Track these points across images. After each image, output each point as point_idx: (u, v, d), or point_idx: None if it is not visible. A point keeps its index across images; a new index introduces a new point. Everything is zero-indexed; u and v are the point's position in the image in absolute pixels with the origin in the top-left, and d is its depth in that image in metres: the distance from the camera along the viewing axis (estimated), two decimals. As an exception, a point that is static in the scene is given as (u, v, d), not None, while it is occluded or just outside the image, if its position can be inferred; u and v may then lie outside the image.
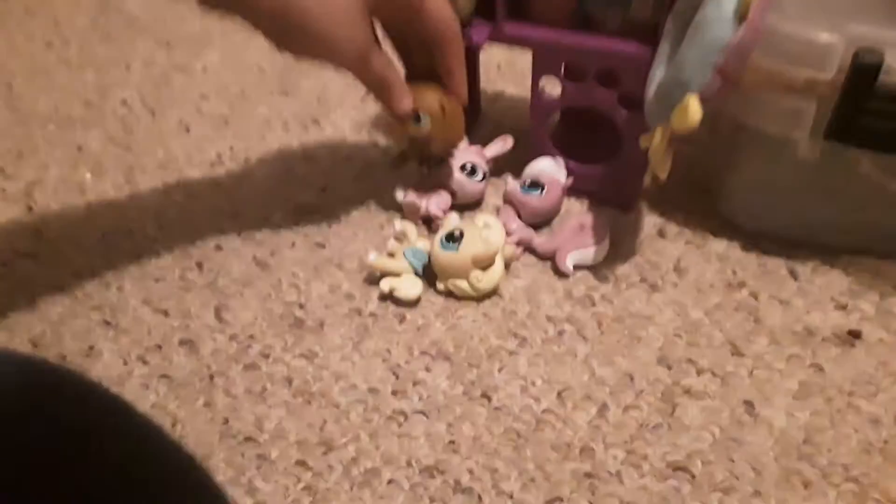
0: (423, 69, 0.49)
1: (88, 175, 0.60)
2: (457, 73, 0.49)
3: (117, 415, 0.26)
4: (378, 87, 0.47)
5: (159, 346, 0.46)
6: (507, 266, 0.49)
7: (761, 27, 0.36)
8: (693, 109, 0.36)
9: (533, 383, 0.43)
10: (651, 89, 0.42)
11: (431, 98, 0.49)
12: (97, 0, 0.86)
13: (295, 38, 0.43)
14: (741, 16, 0.36)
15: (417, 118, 0.48)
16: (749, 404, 0.41)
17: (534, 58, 0.50)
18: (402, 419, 0.41)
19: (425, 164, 0.53)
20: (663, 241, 0.51)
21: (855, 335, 0.44)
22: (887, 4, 0.44)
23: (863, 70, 0.40)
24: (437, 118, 0.49)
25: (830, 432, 0.40)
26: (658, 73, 0.43)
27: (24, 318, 0.48)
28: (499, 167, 0.56)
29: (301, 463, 0.40)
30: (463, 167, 0.52)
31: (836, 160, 0.44)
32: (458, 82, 0.49)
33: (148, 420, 0.26)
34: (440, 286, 0.48)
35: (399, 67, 0.49)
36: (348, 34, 0.43)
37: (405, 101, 0.48)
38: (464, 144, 0.55)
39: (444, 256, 0.47)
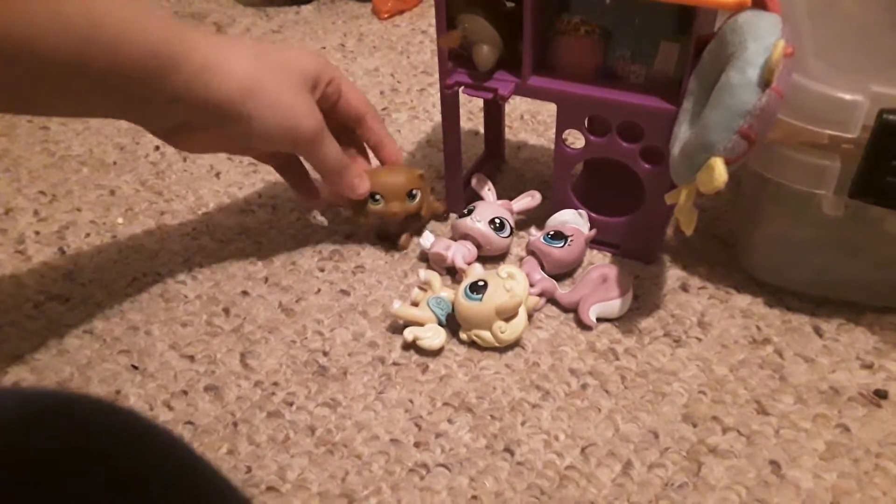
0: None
1: (120, 219, 0.61)
2: (388, 141, 0.54)
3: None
4: (334, 169, 0.50)
5: (185, 392, 0.47)
6: (529, 317, 0.49)
7: (785, 92, 0.37)
8: (718, 172, 0.37)
9: (556, 438, 0.42)
10: (675, 148, 0.43)
11: (391, 179, 0.53)
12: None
13: (259, 112, 0.45)
14: (765, 81, 0.36)
15: (373, 196, 0.53)
16: (775, 464, 0.40)
17: (558, 111, 0.51)
18: (424, 472, 0.41)
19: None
20: (686, 294, 0.51)
21: (881, 395, 0.44)
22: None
23: (887, 130, 0.40)
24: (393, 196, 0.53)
25: (858, 495, 0.39)
26: (681, 131, 0.44)
27: (52, 361, 0.49)
28: (522, 218, 0.57)
29: (323, 514, 0.40)
30: (492, 221, 0.53)
31: (860, 217, 0.44)
32: (393, 149, 0.54)
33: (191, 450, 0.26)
34: (463, 336, 0.48)
35: None
36: (305, 108, 0.46)
37: (363, 184, 0.52)
38: (492, 197, 0.56)
39: (468, 306, 0.47)
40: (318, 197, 0.55)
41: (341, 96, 0.51)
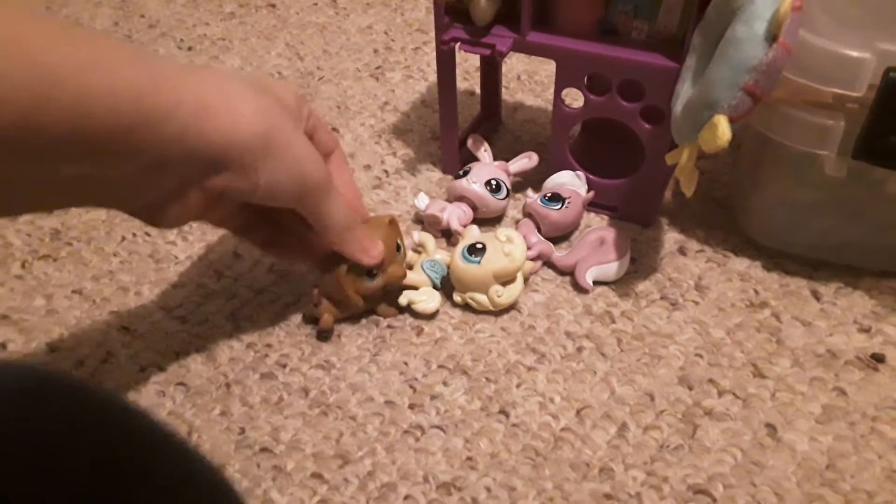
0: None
1: (108, 179, 0.60)
2: (351, 186, 0.45)
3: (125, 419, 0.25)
4: (342, 225, 0.41)
5: (177, 353, 0.46)
6: (525, 280, 0.48)
7: (793, 46, 0.36)
8: (722, 130, 0.36)
9: (552, 400, 0.42)
10: (677, 106, 0.42)
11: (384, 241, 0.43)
12: (119, 2, 0.86)
13: (271, 164, 0.36)
14: (772, 35, 0.35)
15: (370, 273, 0.43)
16: (771, 427, 0.40)
17: (557, 68, 0.50)
18: (419, 433, 0.41)
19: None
20: (684, 258, 0.50)
21: (878, 359, 0.43)
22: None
23: (894, 89, 0.39)
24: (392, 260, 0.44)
25: (854, 458, 0.39)
26: (684, 89, 0.43)
27: (41, 322, 0.48)
28: (519, 180, 0.56)
29: (317, 475, 0.39)
30: (488, 183, 0.52)
31: (863, 179, 0.44)
32: (356, 193, 0.45)
33: (170, 431, 0.26)
34: (457, 298, 0.47)
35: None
36: (313, 153, 0.38)
37: (375, 245, 0.42)
38: (488, 159, 0.55)
39: (466, 269, 0.46)
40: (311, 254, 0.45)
41: (315, 133, 0.42)
